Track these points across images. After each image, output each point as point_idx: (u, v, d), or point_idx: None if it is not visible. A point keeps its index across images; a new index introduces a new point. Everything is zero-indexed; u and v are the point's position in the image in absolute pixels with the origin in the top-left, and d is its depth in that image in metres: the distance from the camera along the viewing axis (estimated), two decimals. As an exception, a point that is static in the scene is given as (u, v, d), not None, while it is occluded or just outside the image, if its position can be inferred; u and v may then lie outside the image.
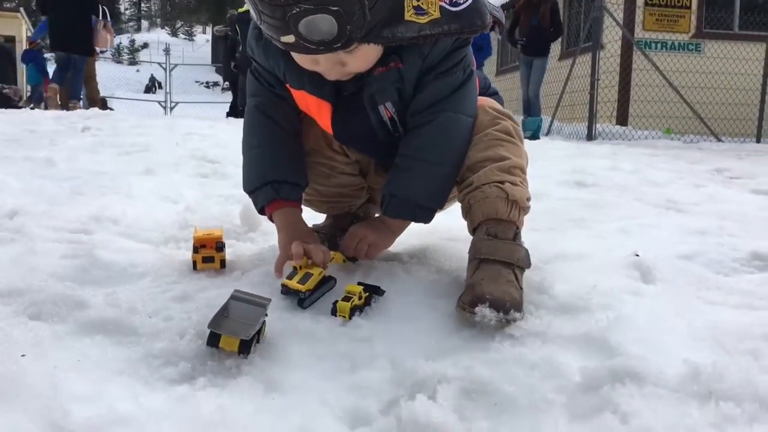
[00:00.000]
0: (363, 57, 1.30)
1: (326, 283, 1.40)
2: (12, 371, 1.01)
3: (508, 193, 1.38)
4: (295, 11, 1.12)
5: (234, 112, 10.34)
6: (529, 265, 1.40)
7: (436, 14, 1.26)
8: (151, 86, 28.35)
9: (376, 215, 1.51)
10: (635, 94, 9.56)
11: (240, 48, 9.82)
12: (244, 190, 1.55)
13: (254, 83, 1.56)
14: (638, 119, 9.31)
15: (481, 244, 1.38)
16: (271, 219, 1.54)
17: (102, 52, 10.09)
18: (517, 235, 1.41)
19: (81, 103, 8.32)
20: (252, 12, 1.19)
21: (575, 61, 8.76)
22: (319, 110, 1.47)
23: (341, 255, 1.52)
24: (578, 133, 8.59)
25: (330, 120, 1.46)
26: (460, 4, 1.27)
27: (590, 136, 8.21)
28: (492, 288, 1.26)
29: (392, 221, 1.49)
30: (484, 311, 1.22)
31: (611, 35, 9.13)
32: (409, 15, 1.24)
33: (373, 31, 1.21)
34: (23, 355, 1.08)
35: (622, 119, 9.72)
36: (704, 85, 9.31)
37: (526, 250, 1.40)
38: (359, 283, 1.37)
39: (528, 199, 1.44)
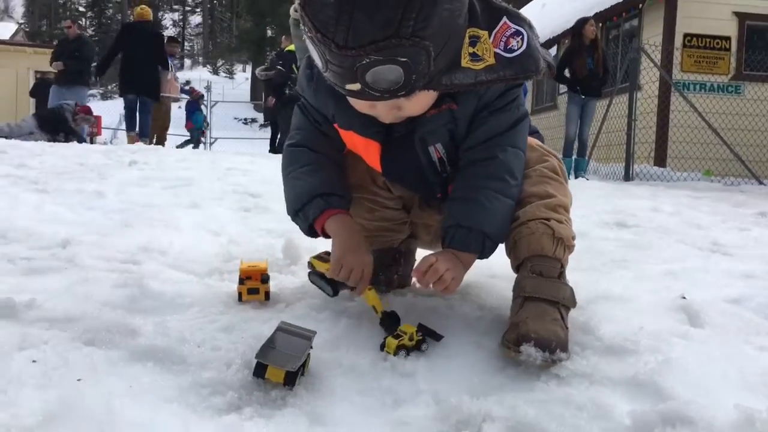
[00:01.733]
0: (419, 102, 1.31)
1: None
2: (69, 394, 1.05)
3: (554, 230, 1.38)
4: (365, 62, 1.12)
5: (273, 147, 10.63)
6: (574, 304, 1.39)
7: (491, 60, 1.26)
8: (200, 123, 29.11)
9: (439, 250, 1.48)
10: (674, 135, 9.44)
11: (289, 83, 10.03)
12: (288, 213, 1.53)
13: (300, 117, 1.58)
14: (677, 160, 9.18)
15: (525, 281, 1.38)
16: (321, 233, 1.50)
17: (175, 99, 10.91)
18: (561, 274, 1.41)
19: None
20: (317, 59, 1.20)
21: (612, 101, 8.73)
22: (367, 149, 1.49)
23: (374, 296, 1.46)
24: (615, 174, 8.50)
25: (379, 158, 1.48)
26: (515, 51, 1.28)
27: (627, 177, 8.12)
28: (537, 326, 1.26)
29: (462, 255, 1.40)
30: (529, 350, 1.22)
31: (648, 76, 9.09)
32: (465, 61, 1.25)
33: (434, 79, 1.22)
34: (79, 380, 1.12)
35: (660, 160, 9.59)
36: (745, 127, 9.16)
37: (572, 289, 1.40)
38: (419, 325, 1.35)
39: (573, 238, 1.44)
